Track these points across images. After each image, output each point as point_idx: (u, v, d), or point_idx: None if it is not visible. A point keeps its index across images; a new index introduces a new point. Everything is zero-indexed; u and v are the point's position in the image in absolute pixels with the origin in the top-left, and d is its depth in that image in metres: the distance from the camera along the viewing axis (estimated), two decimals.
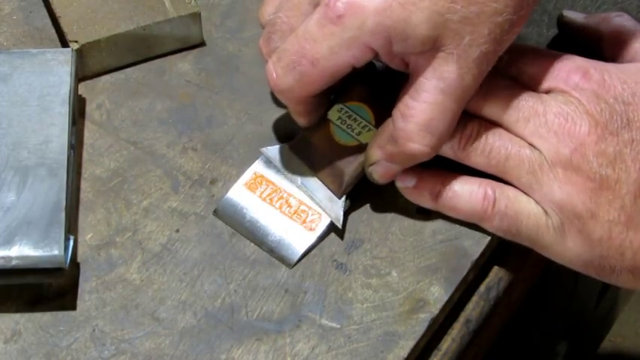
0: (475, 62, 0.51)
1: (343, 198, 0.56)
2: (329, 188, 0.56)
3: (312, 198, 0.56)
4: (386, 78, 0.56)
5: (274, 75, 0.52)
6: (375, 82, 0.56)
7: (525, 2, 0.51)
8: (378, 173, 0.55)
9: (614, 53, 0.58)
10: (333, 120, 0.56)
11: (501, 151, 0.53)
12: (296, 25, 0.52)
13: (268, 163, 0.58)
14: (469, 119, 0.54)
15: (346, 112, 0.56)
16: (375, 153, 0.54)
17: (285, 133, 0.59)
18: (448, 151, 0.54)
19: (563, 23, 0.63)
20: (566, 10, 0.63)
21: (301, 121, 0.56)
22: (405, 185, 0.56)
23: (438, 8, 0.49)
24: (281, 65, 0.52)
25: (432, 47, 0.50)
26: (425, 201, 0.56)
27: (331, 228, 0.56)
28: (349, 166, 0.56)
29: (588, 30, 0.61)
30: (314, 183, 0.57)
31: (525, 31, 0.65)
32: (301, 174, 0.57)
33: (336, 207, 0.56)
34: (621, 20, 0.59)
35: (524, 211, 0.53)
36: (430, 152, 0.53)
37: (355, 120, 0.56)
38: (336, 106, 0.56)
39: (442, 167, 0.55)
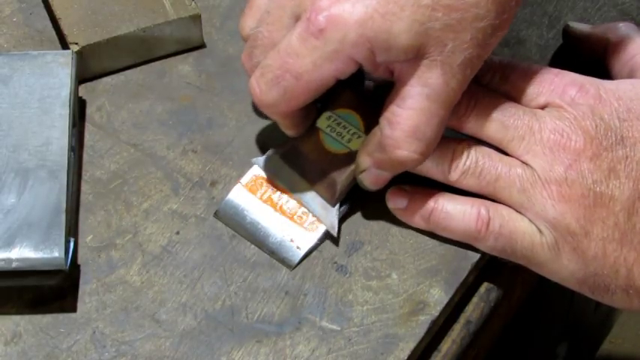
0: (459, 68, 0.51)
1: (337, 206, 0.56)
2: (322, 197, 0.56)
3: (305, 207, 0.56)
4: (373, 84, 0.56)
5: (258, 90, 0.52)
6: (363, 88, 0.56)
7: (508, 6, 0.51)
8: (368, 180, 0.55)
9: (617, 62, 0.58)
10: (322, 128, 0.56)
11: (492, 171, 0.53)
12: (277, 39, 0.52)
13: None
14: (458, 142, 0.54)
15: (335, 119, 0.56)
16: (364, 160, 0.54)
17: (285, 136, 0.59)
18: (438, 174, 0.54)
19: (569, 33, 0.63)
20: (571, 22, 0.63)
21: (289, 132, 0.56)
22: (397, 207, 0.56)
23: (418, 17, 0.49)
24: (264, 81, 0.52)
25: (416, 55, 0.50)
26: (417, 222, 0.56)
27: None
28: (341, 175, 0.56)
29: (594, 38, 0.60)
30: (306, 192, 0.56)
31: (525, 33, 0.65)
32: (293, 183, 0.57)
33: (330, 215, 0.56)
34: (627, 29, 0.59)
35: (518, 230, 0.53)
36: (419, 158, 0.52)
37: (345, 127, 0.56)
38: (325, 114, 0.56)
39: (434, 187, 0.55)
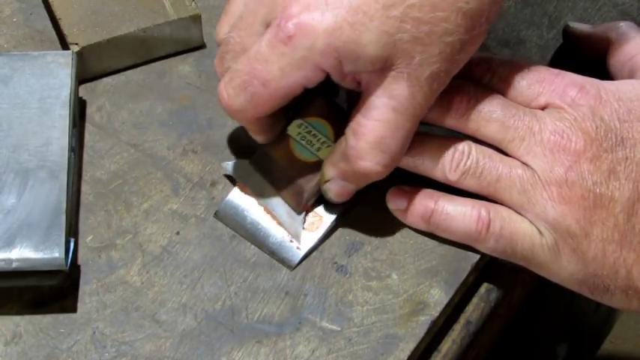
0: (427, 81, 0.50)
1: (303, 214, 0.56)
2: (288, 204, 0.56)
3: (272, 214, 0.56)
4: (346, 93, 0.55)
5: (225, 95, 0.52)
6: (335, 96, 0.56)
7: (478, 22, 0.50)
8: (333, 191, 0.55)
9: (617, 62, 0.58)
10: (292, 135, 0.56)
11: (492, 172, 0.53)
12: (248, 45, 0.52)
13: None
14: (458, 142, 0.54)
15: (306, 127, 0.55)
16: (329, 171, 0.54)
17: None
18: (439, 174, 0.54)
19: (569, 34, 0.63)
20: (571, 22, 0.63)
21: (258, 138, 0.56)
22: (397, 207, 0.56)
23: (387, 28, 0.49)
24: (232, 86, 0.52)
25: (383, 67, 0.50)
26: (417, 223, 0.55)
27: (332, 230, 0.56)
28: (309, 183, 0.55)
29: (594, 38, 0.60)
30: (274, 198, 0.56)
31: (525, 34, 0.65)
32: (261, 189, 0.57)
33: (296, 223, 0.56)
34: (627, 29, 0.59)
35: (519, 232, 0.53)
36: (382, 171, 0.52)
37: (315, 136, 0.55)
38: (296, 122, 0.56)
39: (434, 187, 0.55)
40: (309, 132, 0.55)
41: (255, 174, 0.57)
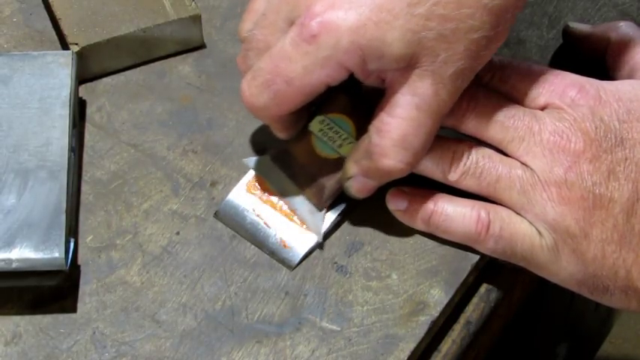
0: (451, 78, 0.50)
1: (324, 211, 0.56)
2: (310, 201, 0.56)
3: (293, 210, 0.56)
4: (368, 89, 0.55)
5: (248, 93, 0.52)
6: (358, 93, 0.56)
7: (503, 18, 0.50)
8: (354, 188, 0.55)
9: (617, 62, 0.58)
10: (314, 132, 0.55)
11: (492, 172, 0.53)
12: (272, 42, 0.52)
13: None
14: (458, 142, 0.54)
15: (328, 123, 0.55)
16: (351, 168, 0.54)
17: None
18: (438, 174, 0.54)
19: (569, 34, 0.63)
20: (572, 22, 0.63)
21: (280, 135, 0.56)
22: (397, 208, 0.56)
23: (412, 26, 0.49)
24: (255, 84, 0.52)
25: (407, 65, 0.50)
26: (417, 224, 0.55)
27: (332, 231, 0.56)
28: (330, 180, 0.55)
29: (594, 38, 0.60)
30: (295, 195, 0.56)
31: (525, 34, 0.65)
32: (282, 186, 0.57)
33: (317, 220, 0.56)
34: (627, 29, 0.59)
35: (518, 233, 0.53)
36: (405, 168, 0.52)
37: (337, 132, 0.55)
38: (318, 118, 0.55)
39: (434, 187, 0.55)
40: (331, 128, 0.55)
41: (276, 170, 0.57)
